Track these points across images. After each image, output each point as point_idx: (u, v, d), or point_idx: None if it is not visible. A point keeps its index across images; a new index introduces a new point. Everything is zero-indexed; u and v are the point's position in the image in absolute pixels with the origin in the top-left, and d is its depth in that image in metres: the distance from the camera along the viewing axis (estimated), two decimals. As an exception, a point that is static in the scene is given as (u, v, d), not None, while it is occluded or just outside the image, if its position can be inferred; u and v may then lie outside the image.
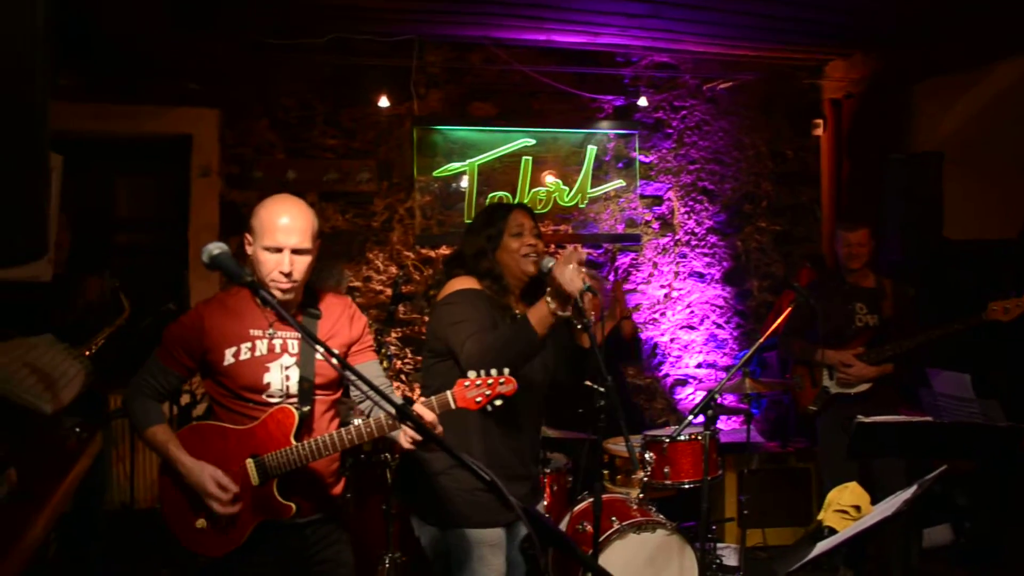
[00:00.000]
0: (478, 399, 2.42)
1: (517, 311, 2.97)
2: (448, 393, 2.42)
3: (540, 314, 2.66)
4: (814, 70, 6.63)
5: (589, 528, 3.63)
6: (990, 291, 4.15)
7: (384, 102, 5.62)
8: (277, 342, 2.55)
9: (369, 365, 2.72)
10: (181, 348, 2.55)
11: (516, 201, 5.84)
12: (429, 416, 2.40)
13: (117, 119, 5.16)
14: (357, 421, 2.50)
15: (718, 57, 6.26)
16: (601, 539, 3.54)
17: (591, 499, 3.76)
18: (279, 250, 2.48)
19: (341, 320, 2.70)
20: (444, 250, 5.86)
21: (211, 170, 5.38)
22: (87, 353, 3.62)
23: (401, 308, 5.45)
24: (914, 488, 2.66)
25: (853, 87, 6.36)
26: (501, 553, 2.92)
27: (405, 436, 2.46)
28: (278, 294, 2.51)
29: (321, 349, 2.10)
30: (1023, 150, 6.13)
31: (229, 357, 2.51)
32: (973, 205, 6.00)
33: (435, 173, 5.84)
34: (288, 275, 2.49)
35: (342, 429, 2.49)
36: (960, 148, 5.95)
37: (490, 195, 5.88)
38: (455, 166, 5.86)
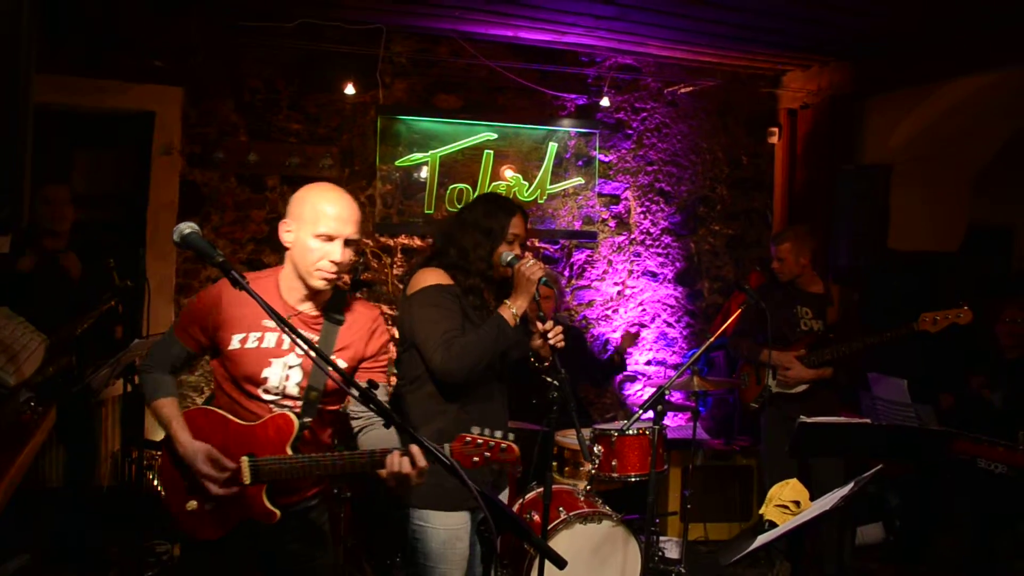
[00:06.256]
0: (475, 459, 2.35)
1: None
2: (447, 446, 2.37)
3: (508, 312, 2.84)
4: (773, 79, 6.78)
5: (537, 517, 3.68)
6: (929, 301, 4.30)
7: (350, 90, 5.61)
8: (287, 339, 2.45)
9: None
10: (196, 324, 2.52)
11: (476, 194, 5.87)
12: (421, 462, 2.29)
13: (81, 92, 5.08)
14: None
15: (680, 62, 6.38)
16: (548, 528, 3.61)
17: (540, 489, 3.85)
18: (331, 239, 2.41)
19: (361, 333, 2.60)
20: (403, 239, 5.90)
21: (173, 148, 5.34)
22: (77, 332, 3.62)
23: (359, 295, 5.46)
24: (851, 485, 2.78)
25: (809, 98, 6.52)
26: (465, 536, 2.99)
27: (390, 472, 2.32)
28: (321, 284, 2.44)
29: (316, 357, 1.99)
30: (967, 167, 6.39)
31: (235, 342, 2.46)
32: (917, 218, 6.22)
33: (397, 162, 5.86)
34: (338, 265, 2.42)
35: (336, 454, 2.43)
36: (908, 162, 6.15)
37: (451, 187, 5.92)
38: (417, 156, 5.88)
